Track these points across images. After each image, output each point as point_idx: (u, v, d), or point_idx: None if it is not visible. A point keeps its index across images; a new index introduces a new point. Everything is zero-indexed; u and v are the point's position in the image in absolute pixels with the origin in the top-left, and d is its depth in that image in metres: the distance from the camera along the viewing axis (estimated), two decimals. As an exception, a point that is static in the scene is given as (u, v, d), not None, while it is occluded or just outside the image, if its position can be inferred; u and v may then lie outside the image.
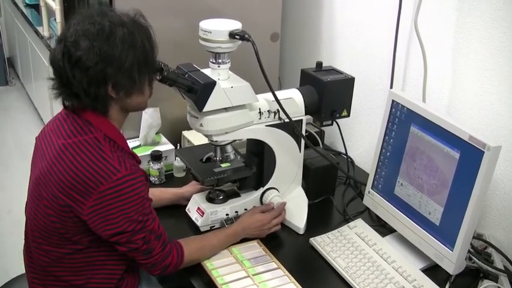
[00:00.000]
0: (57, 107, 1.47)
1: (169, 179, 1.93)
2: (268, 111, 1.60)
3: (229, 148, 1.65)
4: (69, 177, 1.28)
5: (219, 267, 1.50)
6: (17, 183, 3.38)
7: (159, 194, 1.74)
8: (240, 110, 1.54)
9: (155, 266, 1.40)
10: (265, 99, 1.60)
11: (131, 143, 1.96)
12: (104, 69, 1.26)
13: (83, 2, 2.42)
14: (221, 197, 1.69)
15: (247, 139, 1.73)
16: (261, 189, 1.70)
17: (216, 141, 1.59)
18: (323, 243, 1.60)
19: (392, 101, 1.58)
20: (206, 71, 1.54)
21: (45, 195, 1.33)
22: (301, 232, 1.68)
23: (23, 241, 1.52)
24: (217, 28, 1.46)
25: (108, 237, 1.33)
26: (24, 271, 1.59)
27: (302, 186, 1.78)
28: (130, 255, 1.39)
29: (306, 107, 1.67)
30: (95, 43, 1.25)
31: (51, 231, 1.36)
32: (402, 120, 1.56)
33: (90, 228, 1.32)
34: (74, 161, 1.29)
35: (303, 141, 1.70)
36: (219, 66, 1.52)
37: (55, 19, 2.92)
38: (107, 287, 1.45)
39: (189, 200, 1.73)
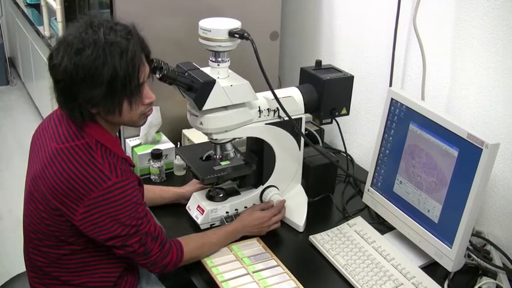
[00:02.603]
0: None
1: (169, 177, 1.93)
2: (268, 109, 1.60)
3: (229, 146, 1.66)
4: (60, 183, 1.28)
5: (219, 264, 1.50)
6: (17, 182, 3.37)
7: (160, 193, 1.75)
8: (239, 108, 1.54)
9: (154, 265, 1.40)
10: (264, 98, 1.60)
11: (131, 142, 1.97)
12: (71, 85, 1.25)
13: (83, 1, 2.43)
14: (221, 195, 1.69)
15: (247, 137, 1.73)
16: (261, 187, 1.71)
17: (216, 139, 1.59)
18: (322, 240, 1.60)
19: (392, 99, 1.58)
20: (206, 70, 1.54)
21: (39, 198, 1.34)
22: (301, 230, 1.68)
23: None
24: (217, 27, 1.47)
25: (104, 242, 1.33)
26: (24, 269, 1.60)
27: (302, 184, 1.79)
28: (128, 257, 1.39)
29: (305, 105, 1.67)
30: (66, 58, 1.23)
31: (47, 234, 1.36)
32: (401, 118, 1.56)
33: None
34: (66, 167, 1.28)
35: (302, 140, 1.71)
36: (218, 65, 1.53)
37: (56, 19, 2.92)
38: (106, 286, 1.46)
39: (189, 199, 1.73)
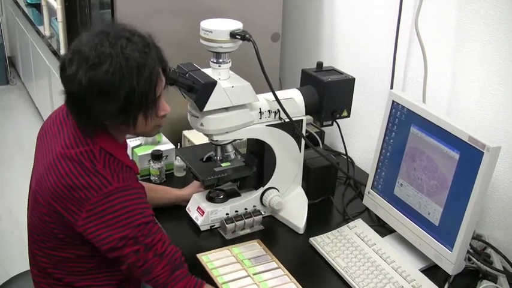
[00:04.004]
0: (58, 106, 1.47)
1: (169, 179, 1.93)
2: (269, 111, 1.60)
3: (229, 148, 1.66)
4: (63, 187, 1.26)
5: (219, 266, 1.50)
6: (17, 183, 3.39)
7: (162, 193, 1.74)
8: (240, 109, 1.54)
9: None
10: (265, 99, 1.60)
11: (132, 143, 1.96)
12: (85, 99, 1.22)
13: (84, 1, 2.43)
14: (221, 197, 1.69)
15: (248, 139, 1.73)
16: (261, 189, 1.71)
17: (217, 140, 1.59)
18: (323, 243, 1.60)
19: (393, 101, 1.58)
20: (207, 71, 1.54)
21: (42, 202, 1.32)
22: (301, 232, 1.68)
23: (23, 240, 1.52)
24: (218, 28, 1.46)
25: (104, 252, 1.29)
26: (24, 269, 1.60)
27: (302, 186, 1.78)
28: (136, 276, 1.33)
29: (306, 107, 1.67)
30: (81, 71, 1.19)
31: (50, 236, 1.35)
32: (402, 120, 1.56)
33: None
34: (70, 172, 1.26)
35: (303, 141, 1.70)
36: (219, 66, 1.52)
37: (56, 18, 2.92)
38: None
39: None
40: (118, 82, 1.20)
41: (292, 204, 1.72)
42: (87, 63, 1.20)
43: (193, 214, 1.67)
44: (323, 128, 2.10)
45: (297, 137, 1.69)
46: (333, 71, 1.78)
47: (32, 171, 1.44)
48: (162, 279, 1.32)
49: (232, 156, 1.67)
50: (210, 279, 1.46)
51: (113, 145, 1.33)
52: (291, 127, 1.65)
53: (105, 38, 1.22)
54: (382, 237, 1.64)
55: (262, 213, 1.69)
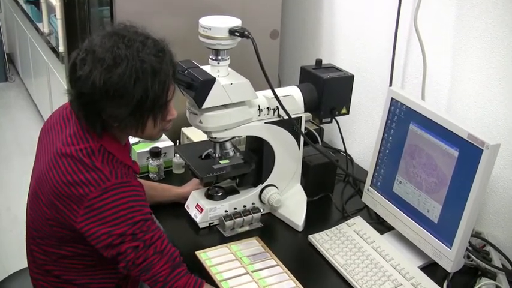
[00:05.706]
0: (57, 103, 1.47)
1: (168, 176, 1.93)
2: (268, 108, 1.60)
3: (228, 145, 1.65)
4: (63, 185, 1.26)
5: (218, 263, 1.50)
6: (15, 180, 3.38)
7: (161, 191, 1.74)
8: (239, 106, 1.54)
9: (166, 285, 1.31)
10: (264, 96, 1.60)
11: (130, 140, 1.96)
12: (97, 101, 1.22)
13: (82, -2, 2.43)
14: (220, 194, 1.69)
15: (247, 136, 1.73)
16: (260, 186, 1.70)
17: (215, 138, 1.59)
18: (321, 240, 1.60)
19: (392, 98, 1.58)
20: (206, 68, 1.54)
21: (43, 199, 1.32)
22: (300, 229, 1.68)
23: (22, 238, 1.51)
24: (217, 25, 1.46)
25: (101, 250, 1.28)
26: (23, 267, 1.60)
27: (301, 183, 1.78)
28: (134, 274, 1.32)
29: (305, 104, 1.67)
30: (95, 72, 1.19)
31: (49, 234, 1.35)
32: (401, 118, 1.56)
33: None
34: (70, 169, 1.26)
35: (302, 139, 1.70)
36: (218, 63, 1.52)
37: (55, 15, 2.92)
38: (109, 287, 1.45)
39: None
40: (133, 85, 1.20)
41: (291, 202, 1.72)
42: (102, 65, 1.19)
43: (192, 211, 1.67)
44: (322, 125, 2.10)
45: (296, 134, 1.69)
46: (332, 68, 1.77)
47: (33, 167, 1.43)
48: (162, 277, 1.31)
49: (231, 153, 1.67)
50: (208, 277, 1.46)
51: (115, 146, 1.33)
52: (290, 124, 1.64)
53: (121, 41, 1.22)
54: (381, 234, 1.63)
55: (261, 210, 1.69)
